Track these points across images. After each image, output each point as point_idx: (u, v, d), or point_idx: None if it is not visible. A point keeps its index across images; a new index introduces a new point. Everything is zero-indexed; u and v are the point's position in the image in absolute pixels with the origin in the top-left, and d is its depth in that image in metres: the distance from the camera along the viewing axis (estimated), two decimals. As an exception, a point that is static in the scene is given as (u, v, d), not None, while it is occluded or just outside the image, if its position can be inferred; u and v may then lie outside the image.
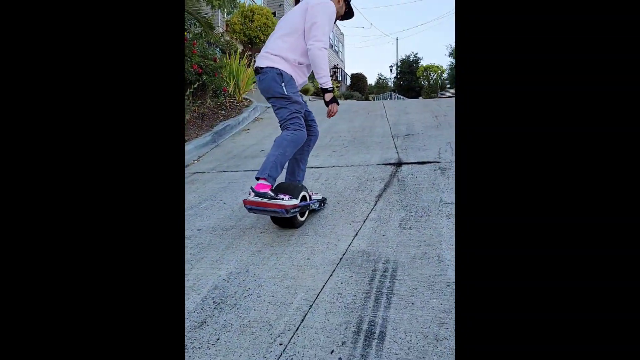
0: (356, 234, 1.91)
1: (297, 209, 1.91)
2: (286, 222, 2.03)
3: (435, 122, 4.49)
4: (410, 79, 32.21)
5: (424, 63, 30.95)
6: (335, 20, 2.19)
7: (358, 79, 26.30)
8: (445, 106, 5.57)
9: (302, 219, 2.11)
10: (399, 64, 33.39)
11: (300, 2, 2.12)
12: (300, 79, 2.14)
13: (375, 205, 2.23)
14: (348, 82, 26.95)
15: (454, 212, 2.00)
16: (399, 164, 2.94)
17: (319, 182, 2.74)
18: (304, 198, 2.05)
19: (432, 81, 20.31)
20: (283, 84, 2.01)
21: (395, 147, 3.46)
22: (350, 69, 40.43)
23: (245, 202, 1.87)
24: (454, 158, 2.88)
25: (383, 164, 2.98)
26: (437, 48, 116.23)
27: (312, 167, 3.11)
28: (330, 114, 2.12)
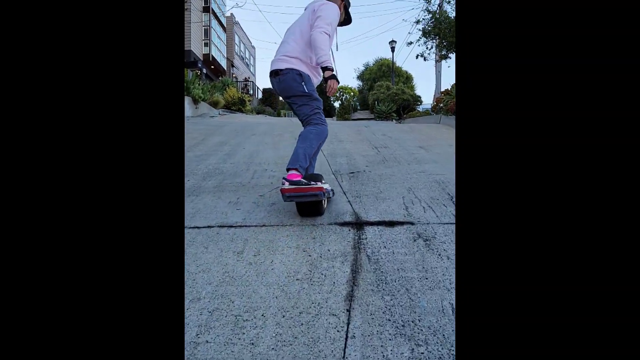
0: (335, 418, 0.94)
1: (325, 193, 2.01)
2: (316, 208, 2.08)
3: (377, 155, 3.79)
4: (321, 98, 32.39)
5: (334, 84, 31.40)
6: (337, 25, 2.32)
7: (270, 94, 25.36)
8: (380, 135, 4.99)
9: (325, 205, 2.20)
10: (311, 82, 33.36)
11: (306, 8, 2.29)
12: (315, 79, 2.25)
13: (349, 322, 1.29)
14: (259, 95, 25.87)
15: (488, 342, 1.18)
16: (358, 223, 2.07)
17: (243, 260, 1.70)
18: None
19: (345, 102, 20.55)
20: (303, 83, 2.14)
21: (345, 194, 2.60)
22: (261, 83, 39.56)
23: (283, 190, 1.92)
24: (427, 215, 2.13)
25: (336, 224, 2.07)
26: (346, 71, 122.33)
27: (231, 227, 2.05)
28: (330, 90, 2.14)
